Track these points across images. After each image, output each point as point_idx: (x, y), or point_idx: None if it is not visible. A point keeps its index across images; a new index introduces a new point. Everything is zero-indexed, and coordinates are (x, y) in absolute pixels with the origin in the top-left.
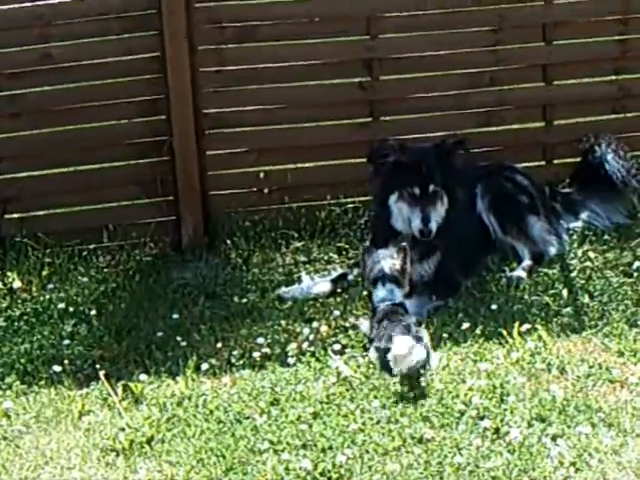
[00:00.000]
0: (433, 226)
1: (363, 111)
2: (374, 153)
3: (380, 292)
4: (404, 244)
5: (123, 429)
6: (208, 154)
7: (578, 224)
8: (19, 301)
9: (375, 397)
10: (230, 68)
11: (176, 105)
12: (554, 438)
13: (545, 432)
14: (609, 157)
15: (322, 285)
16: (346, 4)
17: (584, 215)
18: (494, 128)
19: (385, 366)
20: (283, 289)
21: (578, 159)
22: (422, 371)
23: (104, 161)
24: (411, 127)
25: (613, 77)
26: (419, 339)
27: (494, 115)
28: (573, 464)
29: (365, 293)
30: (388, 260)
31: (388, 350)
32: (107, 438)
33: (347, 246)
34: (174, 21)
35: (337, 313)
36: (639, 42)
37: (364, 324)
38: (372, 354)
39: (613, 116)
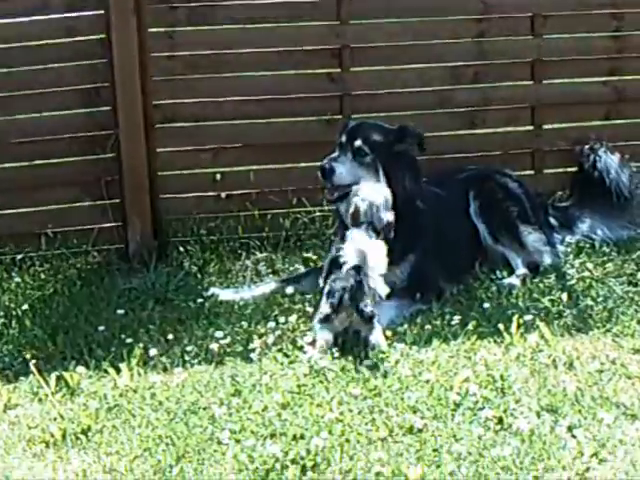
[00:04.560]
0: (339, 171)
1: (333, 106)
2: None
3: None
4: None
5: (55, 419)
6: (158, 151)
7: (575, 237)
8: None
9: (354, 388)
10: (184, 53)
11: (123, 94)
12: (570, 429)
13: (558, 423)
14: (612, 168)
15: (265, 287)
16: None
17: (583, 228)
18: (478, 131)
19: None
20: (216, 289)
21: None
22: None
23: (41, 158)
24: None
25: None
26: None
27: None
28: (595, 454)
29: None
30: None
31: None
32: (35, 428)
33: (315, 257)
34: None
35: (310, 310)
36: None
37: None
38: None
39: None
